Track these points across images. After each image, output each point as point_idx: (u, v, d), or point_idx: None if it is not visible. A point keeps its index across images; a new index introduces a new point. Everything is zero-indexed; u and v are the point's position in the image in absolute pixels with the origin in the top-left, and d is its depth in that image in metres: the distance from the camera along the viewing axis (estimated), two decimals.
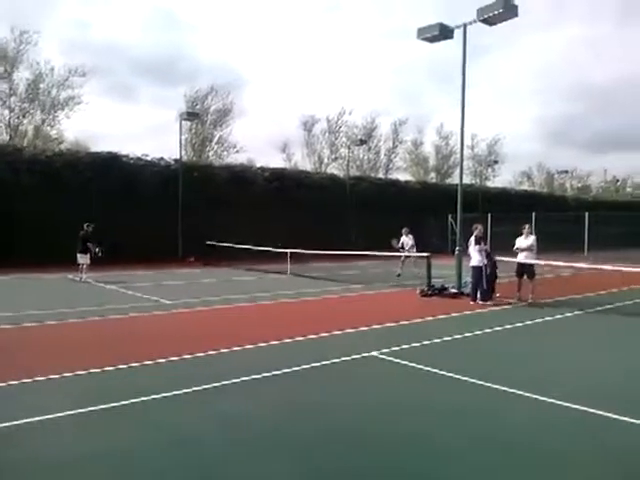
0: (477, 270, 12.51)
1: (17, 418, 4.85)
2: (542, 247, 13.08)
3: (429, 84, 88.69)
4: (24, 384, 5.92)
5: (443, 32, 13.94)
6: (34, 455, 4.17)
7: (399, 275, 18.62)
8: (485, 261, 12.53)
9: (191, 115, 29.00)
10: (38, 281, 16.92)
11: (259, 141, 72.52)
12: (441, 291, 13.96)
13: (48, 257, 20.17)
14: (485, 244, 13.09)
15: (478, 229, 12.92)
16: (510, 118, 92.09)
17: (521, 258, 13.03)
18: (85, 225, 17.07)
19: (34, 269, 18.77)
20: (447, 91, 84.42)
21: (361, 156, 48.44)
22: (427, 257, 15.00)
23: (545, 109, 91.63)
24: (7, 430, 4.63)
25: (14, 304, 11.64)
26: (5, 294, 13.99)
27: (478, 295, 12.44)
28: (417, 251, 18.83)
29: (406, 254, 19.31)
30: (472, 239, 12.80)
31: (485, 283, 12.42)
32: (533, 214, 26.61)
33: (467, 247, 13.08)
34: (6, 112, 33.07)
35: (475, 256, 12.63)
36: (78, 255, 16.73)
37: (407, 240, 19.71)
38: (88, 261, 16.77)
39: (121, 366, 6.66)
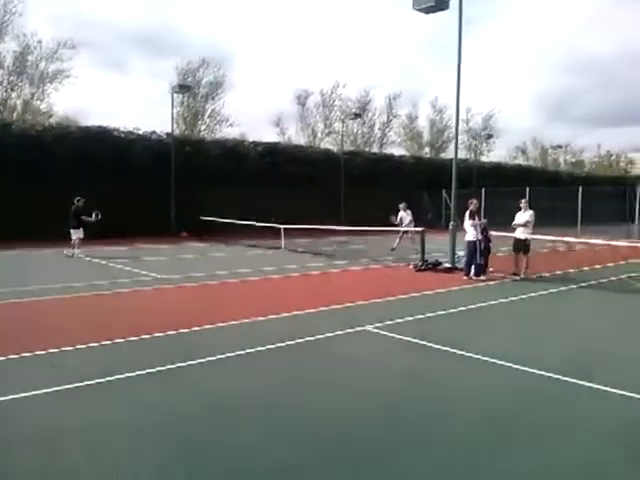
0: (472, 245, 12.48)
1: (14, 392, 4.84)
2: (536, 222, 13.05)
3: (423, 57, 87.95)
4: (23, 358, 5.89)
5: (438, 3, 13.71)
6: (36, 425, 4.16)
7: (393, 249, 18.60)
8: (479, 236, 12.49)
9: (182, 88, 28.56)
10: (32, 257, 16.78)
11: (252, 116, 71.51)
12: (435, 266, 13.96)
13: (40, 233, 20.00)
14: (480, 219, 13.04)
15: (473, 204, 12.86)
16: (505, 92, 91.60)
17: (517, 233, 13.00)
18: (75, 200, 16.90)
19: (27, 245, 18.61)
20: (442, 64, 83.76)
21: (355, 130, 47.99)
22: (421, 232, 14.96)
23: (541, 83, 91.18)
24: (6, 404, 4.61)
25: (11, 280, 11.54)
26: (5, 270, 13.87)
27: (472, 270, 12.44)
28: (413, 226, 18.76)
29: (404, 229, 19.23)
30: (467, 214, 12.74)
31: (479, 258, 12.41)
32: (527, 189, 26.53)
33: (462, 222, 13.01)
34: None
35: (470, 231, 12.59)
36: (71, 231, 16.60)
37: (405, 215, 19.60)
38: (81, 235, 16.66)
39: (105, 342, 6.62)
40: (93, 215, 16.73)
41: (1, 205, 20.83)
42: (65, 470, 3.59)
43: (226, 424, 4.34)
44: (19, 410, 4.56)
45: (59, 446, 3.89)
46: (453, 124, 15.00)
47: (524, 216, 12.94)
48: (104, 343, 6.51)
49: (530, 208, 13.16)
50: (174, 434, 4.11)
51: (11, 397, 4.76)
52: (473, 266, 12.45)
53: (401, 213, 19.62)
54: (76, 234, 16.57)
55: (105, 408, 4.60)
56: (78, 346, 6.37)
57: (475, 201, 13.04)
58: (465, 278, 12.31)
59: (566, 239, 17.21)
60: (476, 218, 12.76)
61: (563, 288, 11.33)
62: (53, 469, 3.60)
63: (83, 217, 16.67)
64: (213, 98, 40.68)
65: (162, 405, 4.69)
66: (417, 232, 19.30)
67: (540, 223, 13.87)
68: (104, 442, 3.97)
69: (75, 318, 8.15)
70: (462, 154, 47.68)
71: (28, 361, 5.86)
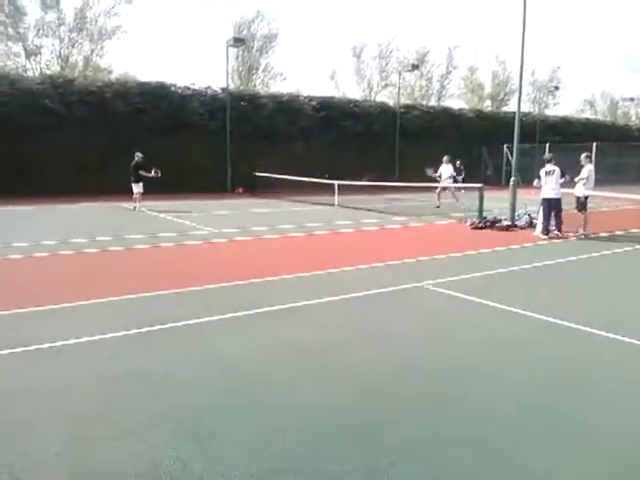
0: (555, 202, 12.02)
1: (67, 338, 5.05)
2: (601, 178, 12.38)
3: (485, 5, 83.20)
4: (78, 306, 6.14)
5: None
6: (85, 369, 4.34)
7: (438, 207, 18.15)
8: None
9: (237, 41, 28.26)
10: (94, 210, 17.40)
11: (306, 70, 70.54)
12: (493, 223, 13.56)
13: (101, 187, 20.74)
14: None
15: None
16: (574, 42, 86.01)
17: (575, 190, 12.44)
18: (135, 155, 17.26)
19: (86, 198, 19.30)
20: (507, 11, 79.09)
21: (413, 83, 46.56)
22: (479, 188, 14.51)
23: (614, 31, 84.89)
24: (58, 348, 4.83)
25: (75, 232, 12.02)
26: (68, 222, 14.43)
27: (549, 227, 12.08)
28: (466, 182, 18.26)
29: (442, 185, 18.65)
30: (555, 169, 12.11)
31: (556, 216, 12.03)
32: (594, 144, 25.14)
33: (538, 178, 12.41)
34: (56, 42, 33.24)
35: (555, 188, 12.04)
36: (133, 185, 17.04)
37: (445, 169, 18.92)
38: (141, 190, 17.06)
39: (162, 292, 6.80)
40: (152, 171, 17.05)
41: (61, 159, 21.52)
42: (121, 410, 3.73)
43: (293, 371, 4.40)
44: (86, 352, 4.77)
45: (109, 390, 4.05)
46: (517, 75, 14.25)
47: (582, 173, 12.34)
48: (176, 291, 6.72)
49: (589, 163, 12.52)
50: (238, 377, 4.20)
51: (93, 338, 4.99)
52: (544, 224, 12.08)
53: (442, 166, 18.94)
54: (137, 187, 17.00)
55: (163, 354, 4.74)
56: (140, 294, 6.60)
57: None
58: (543, 237, 11.90)
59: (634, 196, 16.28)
60: (566, 176, 12.29)
61: (628, 248, 10.78)
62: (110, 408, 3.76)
63: (141, 172, 17.05)
64: (267, 52, 40.31)
65: (225, 351, 4.79)
66: (457, 189, 18.88)
67: (607, 180, 13.18)
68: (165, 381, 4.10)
69: (150, 267, 8.43)
70: (525, 107, 45.64)
71: (96, 307, 6.12)
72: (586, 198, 12.50)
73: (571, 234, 12.17)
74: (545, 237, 11.89)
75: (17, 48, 32.55)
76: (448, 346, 5.13)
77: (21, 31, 32.13)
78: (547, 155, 12.57)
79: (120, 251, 9.88)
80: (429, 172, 18.85)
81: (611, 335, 5.34)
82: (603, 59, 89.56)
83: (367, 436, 3.42)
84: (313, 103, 29.23)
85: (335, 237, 12.19)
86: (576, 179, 12.45)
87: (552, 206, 12.02)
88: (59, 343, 4.92)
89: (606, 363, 4.78)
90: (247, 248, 10.59)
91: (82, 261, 9.00)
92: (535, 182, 12.46)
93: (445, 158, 19.10)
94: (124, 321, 5.59)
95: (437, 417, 3.71)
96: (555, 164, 12.18)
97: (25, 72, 30.46)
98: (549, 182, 12.06)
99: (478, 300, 6.61)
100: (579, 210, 12.49)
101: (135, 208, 16.78)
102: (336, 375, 4.40)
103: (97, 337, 5.10)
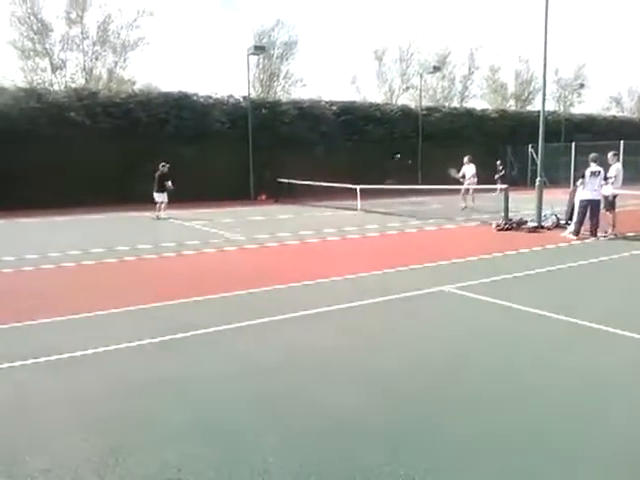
0: (596, 203, 11.75)
1: (96, 346, 5.10)
2: (628, 177, 12.09)
3: (506, 4, 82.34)
4: (111, 313, 6.22)
5: None
6: (118, 376, 4.38)
7: (464, 208, 17.99)
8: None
9: (258, 49, 28.45)
10: (119, 220, 17.65)
11: (326, 76, 70.68)
12: (519, 225, 13.37)
13: (125, 197, 21.07)
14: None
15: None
16: (599, 38, 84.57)
17: (603, 189, 12.17)
18: (160, 165, 17.46)
19: (113, 208, 19.60)
20: (528, 10, 78.19)
21: (434, 84, 46.26)
22: (505, 189, 14.33)
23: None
24: (93, 355, 4.89)
25: (106, 241, 12.20)
26: (98, 232, 14.68)
27: (580, 229, 11.85)
28: (497, 182, 18.11)
29: (466, 186, 18.49)
30: (600, 170, 11.80)
31: (593, 218, 11.78)
32: (621, 142, 24.60)
33: (582, 177, 11.94)
34: (80, 56, 33.89)
35: (599, 189, 11.75)
36: (155, 194, 17.23)
37: (468, 169, 18.74)
38: (166, 199, 17.24)
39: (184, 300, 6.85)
40: (169, 183, 17.18)
41: (88, 171, 21.82)
42: (142, 418, 3.75)
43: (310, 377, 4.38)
44: (124, 358, 4.82)
45: (140, 395, 4.08)
46: (540, 74, 14.03)
47: (610, 171, 12.08)
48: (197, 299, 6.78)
49: (617, 162, 12.26)
50: (257, 384, 4.20)
51: (125, 345, 5.05)
52: (575, 225, 11.89)
53: (464, 167, 18.75)
54: (160, 197, 17.18)
55: (188, 361, 4.77)
56: (174, 301, 6.66)
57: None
58: (574, 237, 11.68)
59: None
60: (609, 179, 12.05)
61: None
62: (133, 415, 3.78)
63: (166, 183, 17.19)
64: (287, 59, 40.46)
65: (245, 357, 4.79)
66: (476, 190, 18.67)
67: (635, 178, 12.85)
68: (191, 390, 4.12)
69: (170, 276, 8.52)
70: (550, 106, 44.90)
71: (130, 314, 6.19)
72: (614, 197, 12.27)
73: (600, 234, 11.92)
74: (574, 237, 11.66)
75: (44, 63, 33.31)
76: (478, 349, 5.05)
77: (47, 46, 32.87)
78: (593, 155, 12.09)
79: (150, 259, 10.00)
80: (453, 173, 18.75)
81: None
82: (629, 55, 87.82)
83: (394, 442, 3.38)
84: (334, 108, 29.24)
85: (359, 241, 12.15)
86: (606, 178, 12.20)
87: (592, 208, 11.73)
88: (90, 351, 4.98)
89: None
90: (271, 255, 10.62)
91: (125, 268, 9.14)
92: (579, 182, 12.08)
93: (466, 158, 18.96)
94: (157, 327, 5.65)
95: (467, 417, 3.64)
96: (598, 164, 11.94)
97: (51, 86, 31.13)
98: (592, 183, 11.74)
99: (502, 303, 6.50)
100: (607, 210, 12.25)
101: (158, 217, 16.97)
102: (364, 379, 4.36)
103: (124, 345, 5.15)
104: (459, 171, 18.83)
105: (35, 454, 3.29)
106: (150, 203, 17.50)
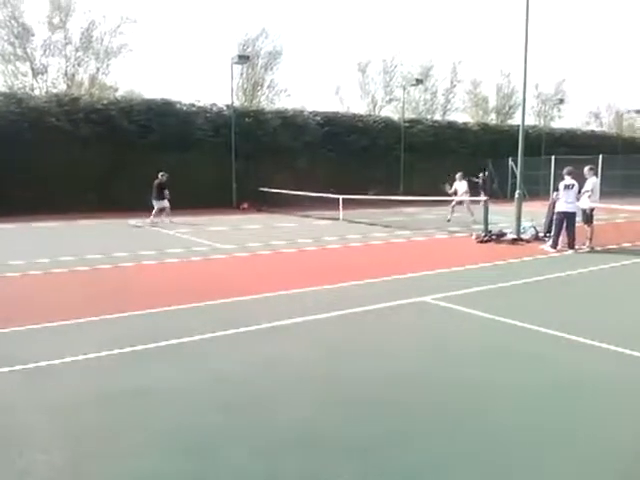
0: (571, 216, 11.91)
1: (63, 356, 4.99)
2: (607, 191, 12.31)
3: (489, 18, 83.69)
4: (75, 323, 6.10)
5: None
6: (88, 388, 4.27)
7: (449, 220, 18.14)
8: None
9: (242, 58, 28.46)
10: (100, 228, 17.43)
11: (310, 86, 71.03)
12: (499, 237, 13.46)
13: (106, 203, 20.84)
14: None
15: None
16: (578, 55, 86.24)
17: (580, 203, 12.35)
18: (160, 174, 17.94)
19: (94, 215, 19.36)
20: (509, 26, 79.50)
21: (417, 97, 46.69)
22: (484, 201, 14.44)
23: (617, 44, 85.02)
24: (56, 366, 4.77)
25: (104, 248, 12.02)
26: (92, 238, 14.48)
27: (558, 241, 11.98)
28: (473, 196, 18.24)
29: (458, 199, 18.67)
30: (574, 183, 12.00)
31: (569, 230, 11.94)
32: (600, 156, 25.01)
33: (556, 190, 12.28)
34: (62, 61, 33.59)
35: (574, 201, 11.92)
36: (153, 201, 17.65)
37: (460, 186, 18.97)
38: (167, 204, 17.64)
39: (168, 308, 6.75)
40: (167, 191, 17.61)
41: (68, 176, 21.55)
42: (116, 431, 3.66)
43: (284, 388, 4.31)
44: (87, 370, 4.71)
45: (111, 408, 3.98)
46: (521, 88, 14.24)
47: (586, 185, 12.28)
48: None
49: (594, 175, 12.48)
50: (229, 395, 4.13)
51: (107, 352, 4.93)
52: (553, 238, 12.04)
53: (456, 183, 18.99)
54: (159, 204, 17.63)
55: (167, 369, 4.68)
56: (151, 310, 6.56)
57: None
58: (552, 250, 11.80)
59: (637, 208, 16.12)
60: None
61: (637, 260, 10.66)
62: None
63: (165, 191, 17.62)
64: (272, 68, 40.54)
65: (216, 368, 4.72)
66: (473, 202, 18.78)
67: (613, 192, 13.06)
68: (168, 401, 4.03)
69: (165, 283, 8.39)
70: (531, 120, 45.66)
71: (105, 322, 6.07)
72: (592, 210, 12.44)
73: (579, 247, 12.06)
74: (553, 250, 11.79)
75: (25, 67, 32.93)
76: (452, 360, 5.04)
77: (29, 51, 32.53)
78: (567, 168, 12.33)
79: (122, 267, 9.86)
80: (446, 188, 18.90)
81: (627, 351, 5.22)
82: (608, 71, 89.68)
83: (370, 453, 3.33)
84: (317, 118, 29.32)
85: (340, 251, 12.12)
86: (581, 192, 12.38)
87: (567, 220, 11.90)
88: (68, 359, 4.87)
89: (622, 379, 4.67)
90: (247, 263, 10.55)
91: (122, 274, 8.99)
92: (554, 195, 12.32)
93: (458, 175, 19.12)
94: (126, 338, 5.54)
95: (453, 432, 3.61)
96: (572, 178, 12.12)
97: (32, 91, 30.76)
98: (567, 196, 11.95)
99: (481, 314, 6.52)
100: (585, 223, 12.41)
101: (156, 223, 17.35)
102: (342, 390, 4.31)
103: (93, 355, 5.04)
104: (451, 186, 19.01)
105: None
106: (132, 210, 17.50)
